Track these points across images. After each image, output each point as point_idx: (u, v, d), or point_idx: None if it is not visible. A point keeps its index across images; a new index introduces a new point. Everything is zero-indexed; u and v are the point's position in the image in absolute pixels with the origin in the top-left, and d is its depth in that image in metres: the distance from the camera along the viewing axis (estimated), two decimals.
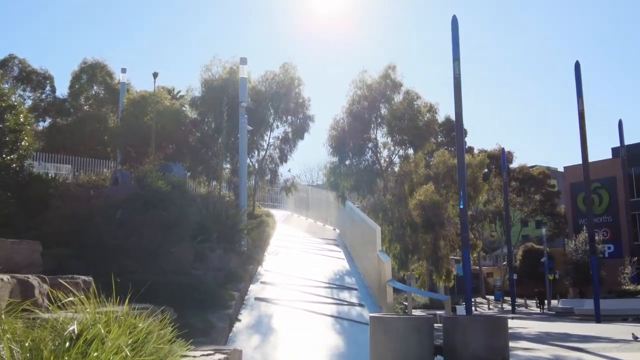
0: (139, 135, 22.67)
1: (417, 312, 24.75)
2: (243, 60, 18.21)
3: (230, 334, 10.19)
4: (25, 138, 14.26)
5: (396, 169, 24.93)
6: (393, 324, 7.37)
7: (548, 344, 15.11)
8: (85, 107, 37.89)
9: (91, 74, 37.60)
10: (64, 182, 13.63)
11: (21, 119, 14.27)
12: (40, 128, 38.45)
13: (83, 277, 7.61)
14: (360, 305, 13.59)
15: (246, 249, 15.81)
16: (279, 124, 25.01)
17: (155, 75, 18.83)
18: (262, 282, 14.41)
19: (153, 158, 23.94)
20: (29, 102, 36.60)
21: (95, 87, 38.28)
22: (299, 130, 24.85)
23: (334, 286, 15.18)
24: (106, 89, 36.99)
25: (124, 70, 26.87)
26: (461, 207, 19.65)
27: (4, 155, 13.70)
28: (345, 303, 13.64)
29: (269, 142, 24.88)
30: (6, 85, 13.81)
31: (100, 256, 10.70)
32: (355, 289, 15.11)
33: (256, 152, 25.26)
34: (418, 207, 22.72)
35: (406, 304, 25.44)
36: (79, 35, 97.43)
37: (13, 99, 14.04)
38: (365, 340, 10.51)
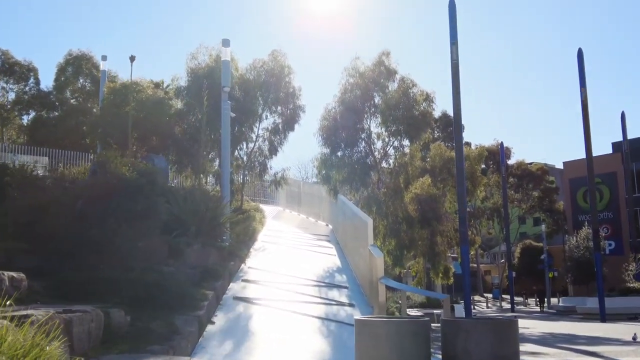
0: (120, 125, 21.41)
1: (413, 312, 23.61)
2: (225, 42, 17.00)
3: (200, 339, 9.01)
4: None
5: (391, 161, 23.78)
6: (382, 328, 6.20)
7: (556, 347, 13.96)
8: (71, 101, 36.67)
9: (77, 66, 36.40)
10: (27, 171, 12.40)
11: None
12: (25, 122, 37.36)
13: (11, 273, 6.44)
14: (351, 305, 12.43)
15: (228, 244, 14.62)
16: (268, 114, 23.77)
17: (132, 58, 17.64)
18: (244, 280, 13.23)
19: (135, 149, 22.72)
20: (12, 95, 35.44)
21: (81, 80, 37.07)
22: (290, 121, 23.62)
23: (323, 284, 14.02)
24: (92, 81, 35.71)
25: (104, 58, 25.62)
26: (459, 199, 18.50)
27: None
28: (334, 303, 12.48)
29: (257, 134, 23.65)
30: None
31: (57, 251, 9.52)
32: (346, 287, 13.95)
33: (244, 145, 24.03)
34: (414, 201, 21.58)
35: (401, 302, 24.34)
36: (63, 26, 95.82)
37: None
38: (351, 342, 9.36)
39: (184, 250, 12.56)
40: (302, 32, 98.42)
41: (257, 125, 23.59)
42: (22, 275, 6.74)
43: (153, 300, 9.15)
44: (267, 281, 13.38)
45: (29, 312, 4.77)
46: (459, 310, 23.21)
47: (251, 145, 23.66)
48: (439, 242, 22.79)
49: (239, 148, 24.06)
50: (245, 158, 23.93)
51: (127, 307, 8.53)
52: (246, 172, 23.87)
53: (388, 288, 12.75)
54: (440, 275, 24.07)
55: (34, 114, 35.87)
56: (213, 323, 9.93)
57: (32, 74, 35.65)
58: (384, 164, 23.69)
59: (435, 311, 25.94)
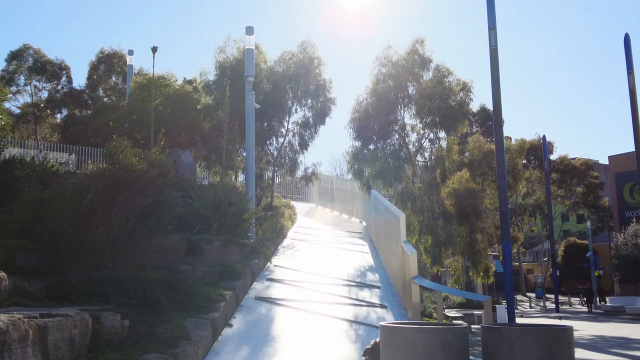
0: (147, 121, 20.89)
1: (451, 313, 22.43)
2: (249, 30, 16.21)
3: (214, 344, 8.20)
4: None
5: (426, 154, 22.63)
6: (410, 337, 5.25)
7: (611, 354, 12.71)
8: (104, 99, 36.60)
9: (109, 64, 36.25)
10: (41, 165, 11.84)
11: None
12: (59, 120, 37.40)
13: None
14: (382, 306, 11.47)
15: (253, 241, 13.82)
16: (298, 108, 23.01)
17: (154, 49, 16.99)
18: (268, 279, 12.41)
19: (163, 145, 22.22)
20: (44, 94, 35.47)
21: (113, 78, 36.98)
22: (320, 115, 22.79)
23: (353, 284, 13.10)
24: (124, 79, 35.49)
25: (131, 52, 25.24)
26: (500, 192, 17.29)
27: None
28: (365, 304, 11.54)
29: (287, 128, 22.88)
30: None
31: (61, 249, 8.83)
32: (378, 287, 13.00)
33: (274, 140, 23.28)
34: (451, 195, 20.41)
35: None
36: (95, 24, 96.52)
37: None
38: None
39: (203, 247, 11.81)
40: (331, 22, 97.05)
41: (287, 119, 22.86)
42: (1, 274, 6.03)
43: (163, 301, 8.39)
44: (293, 280, 12.53)
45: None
46: (501, 311, 21.96)
47: (281, 140, 22.95)
48: (478, 240, 21.56)
49: (268, 143, 23.36)
50: (275, 153, 23.20)
51: (133, 309, 7.81)
52: (276, 168, 23.14)
53: (424, 287, 11.76)
54: (481, 274, 22.83)
55: (66, 112, 35.84)
56: (230, 326, 9.13)
57: (64, 72, 35.60)
58: (418, 158, 22.58)
59: (475, 312, 24.67)
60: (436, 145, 22.36)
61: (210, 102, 23.25)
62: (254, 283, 11.85)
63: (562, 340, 5.62)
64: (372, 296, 12.22)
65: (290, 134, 23.05)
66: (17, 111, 35.43)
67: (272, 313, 10.16)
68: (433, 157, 22.28)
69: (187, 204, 13.30)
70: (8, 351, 3.94)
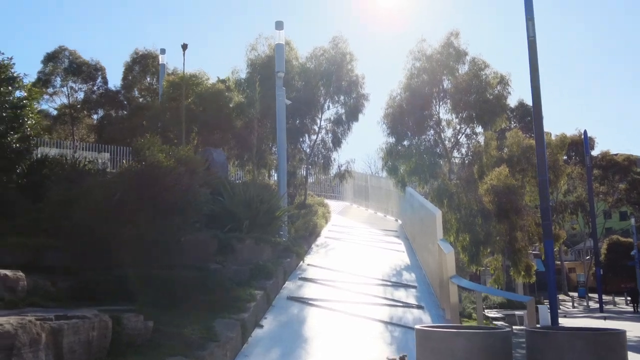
0: (179, 119, 20.84)
1: (491, 313, 21.78)
2: (279, 25, 15.92)
3: (243, 346, 7.91)
4: (30, 115, 12.48)
5: (463, 150, 22.01)
6: (448, 341, 4.85)
7: None
8: (139, 99, 36.90)
9: (143, 64, 36.52)
10: (71, 164, 11.77)
11: (24, 94, 12.54)
12: (94, 121, 37.87)
13: (3, 272, 5.53)
14: (419, 307, 11.04)
15: (285, 240, 13.54)
16: (330, 104, 22.67)
17: (184, 47, 16.85)
18: (301, 279, 12.10)
19: (196, 144, 22.16)
20: (80, 95, 35.92)
21: (148, 78, 37.25)
22: (353, 111, 22.40)
23: (389, 283, 12.69)
24: (158, 79, 35.75)
25: (163, 51, 25.24)
26: (541, 190, 16.63)
27: (4, 135, 11.97)
28: (401, 304, 11.13)
29: (320, 126, 22.54)
30: (5, 55, 11.95)
31: (89, 247, 8.66)
32: (414, 287, 12.57)
33: (307, 137, 22.98)
34: (490, 192, 19.77)
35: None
36: (128, 25, 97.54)
37: (14, 71, 12.24)
38: None
39: (234, 246, 11.54)
40: (363, 17, 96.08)
41: (319, 116, 22.54)
42: (20, 274, 5.84)
43: (191, 301, 8.16)
44: (326, 280, 12.19)
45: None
46: (543, 311, 21.21)
47: (314, 137, 22.63)
48: (518, 238, 20.86)
49: (301, 141, 23.08)
50: (308, 151, 22.90)
51: (160, 309, 7.57)
52: (309, 166, 22.84)
53: (462, 287, 11.29)
54: (522, 273, 22.10)
55: (102, 113, 36.24)
56: (261, 327, 8.84)
57: (99, 73, 35.98)
58: (455, 153, 22.01)
59: (516, 312, 23.94)
60: (473, 141, 21.75)
61: (243, 100, 23.05)
62: (286, 282, 11.56)
63: (615, 345, 5.17)
64: (408, 296, 11.80)
65: (323, 131, 22.73)
66: (54, 112, 36.06)
67: (304, 313, 9.84)
68: (470, 153, 21.66)
69: (218, 202, 13.11)
70: (17, 356, 3.71)
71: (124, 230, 8.70)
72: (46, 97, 34.70)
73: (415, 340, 5.08)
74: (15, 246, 8.57)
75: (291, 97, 19.04)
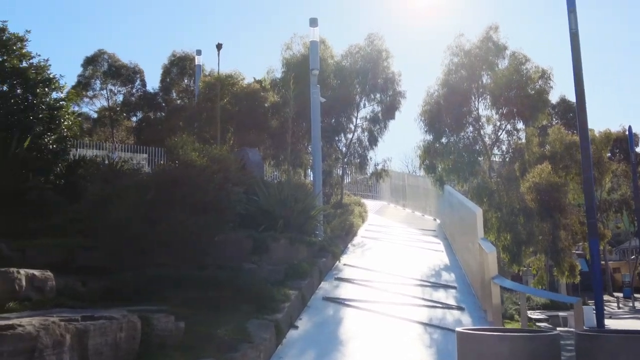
0: (215, 119, 20.87)
1: (534, 314, 21.20)
2: (313, 22, 15.73)
3: (278, 348, 7.71)
4: (66, 116, 12.58)
5: (503, 147, 21.42)
6: (492, 345, 4.54)
7: None
8: (177, 101, 37.26)
9: (181, 66, 36.85)
10: (107, 164, 11.81)
11: (60, 95, 12.66)
12: (133, 123, 38.40)
13: (31, 272, 5.44)
14: (459, 308, 10.68)
15: (321, 239, 13.32)
16: (366, 102, 22.38)
17: (219, 46, 16.82)
18: (337, 279, 11.85)
19: (232, 144, 22.16)
20: (119, 97, 36.45)
21: (185, 80, 37.58)
22: (389, 109, 22.07)
23: (428, 284, 12.34)
24: (202, 86, 36.02)
25: (199, 52, 25.38)
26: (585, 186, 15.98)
27: (41, 136, 12.09)
28: (440, 305, 10.78)
29: (356, 124, 22.28)
30: (41, 56, 12.05)
31: (122, 247, 8.61)
32: (454, 288, 12.19)
33: (342, 136, 22.75)
34: (532, 190, 19.18)
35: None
36: (165, 27, 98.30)
37: (51, 73, 12.37)
38: None
39: (269, 245, 11.38)
40: (398, 13, 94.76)
41: (355, 114, 22.28)
42: (48, 274, 5.76)
43: (225, 301, 8.00)
44: (363, 280, 11.92)
45: (18, 321, 3.66)
46: (588, 312, 20.54)
47: (349, 136, 22.39)
48: (562, 237, 20.20)
49: (337, 139, 22.86)
50: (344, 150, 22.66)
51: (192, 309, 7.44)
52: (345, 165, 22.60)
53: (504, 288, 10.88)
54: (566, 273, 21.40)
55: (141, 115, 36.68)
56: (296, 328, 8.63)
57: (137, 76, 36.42)
58: (495, 150, 21.44)
59: (560, 313, 23.27)
60: (514, 137, 21.15)
61: (278, 100, 22.96)
62: (322, 282, 11.33)
63: None
64: (448, 297, 11.44)
65: (359, 129, 22.47)
66: (95, 115, 36.69)
67: (340, 314, 9.60)
68: (511, 150, 21.07)
69: (253, 201, 12.99)
70: (39, 358, 3.58)
71: (157, 229, 8.62)
72: (86, 100, 35.39)
73: (457, 344, 4.79)
74: (49, 246, 8.58)
75: (326, 96, 18.84)
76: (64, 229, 9.55)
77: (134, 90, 36.55)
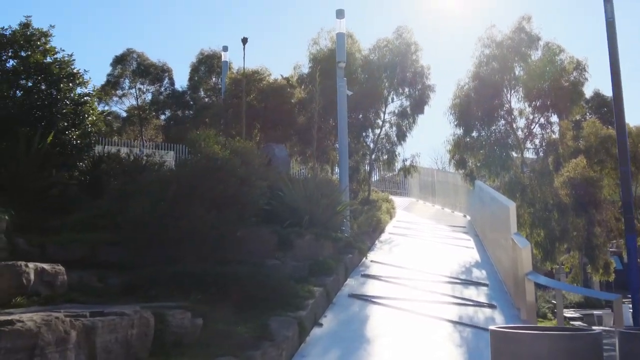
0: (241, 115, 20.72)
1: (568, 313, 20.55)
2: (339, 13, 15.42)
3: (301, 346, 7.44)
4: (90, 112, 12.50)
5: (536, 141, 20.76)
6: (530, 345, 4.19)
7: None
8: (205, 99, 37.30)
9: (209, 64, 36.88)
10: (132, 159, 11.71)
11: (85, 90, 12.58)
12: (162, 122, 38.57)
13: (41, 265, 5.25)
14: (491, 306, 10.27)
15: (347, 235, 13.01)
16: (394, 97, 21.98)
17: (244, 40, 16.62)
18: (363, 275, 11.55)
19: (259, 140, 22.01)
20: (148, 96, 36.61)
21: (213, 78, 37.60)
22: (418, 103, 21.63)
23: (458, 281, 11.95)
24: (228, 82, 36.00)
25: (225, 49, 25.26)
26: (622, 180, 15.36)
27: (65, 131, 12.03)
28: (471, 303, 10.39)
29: (384, 119, 21.89)
30: (65, 51, 11.99)
31: (144, 242, 8.44)
32: (486, 285, 11.77)
33: (370, 131, 22.38)
34: (566, 185, 18.55)
35: (555, 302, 21.25)
36: (192, 25, 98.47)
37: (75, 67, 12.30)
38: None
39: (293, 241, 11.11)
40: (426, 5, 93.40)
41: (383, 109, 21.88)
42: (58, 268, 5.57)
43: (246, 298, 7.76)
44: (391, 277, 11.59)
45: (18, 316, 3.44)
46: (625, 311, 19.79)
47: (377, 131, 21.99)
48: (597, 233, 19.51)
49: (364, 135, 22.51)
50: (371, 146, 22.29)
51: (213, 306, 7.22)
52: (373, 161, 22.22)
53: (537, 285, 10.42)
54: (600, 271, 20.69)
55: (169, 113, 36.80)
56: (320, 325, 8.35)
57: (166, 74, 36.51)
58: (527, 144, 20.80)
59: (595, 312, 22.54)
60: (547, 131, 20.48)
61: (305, 96, 22.69)
62: (348, 279, 11.03)
63: None
64: (479, 295, 11.03)
65: (387, 124, 22.07)
66: (124, 114, 36.94)
67: (366, 312, 9.29)
68: (544, 144, 20.42)
69: (278, 197, 12.76)
70: (41, 356, 3.36)
71: (179, 225, 8.42)
72: (115, 99, 35.67)
73: (490, 343, 4.45)
74: (70, 242, 8.47)
75: (354, 91, 18.51)
76: (86, 225, 9.44)
77: (162, 89, 36.66)
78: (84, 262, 8.16)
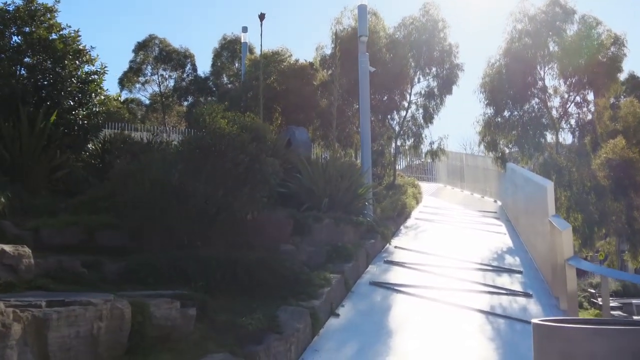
0: (259, 98, 19.99)
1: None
2: None
3: (314, 339, 6.70)
4: (98, 90, 11.89)
5: (572, 121, 19.61)
6: (584, 342, 3.36)
7: None
8: (228, 85, 36.73)
9: (231, 50, 36.29)
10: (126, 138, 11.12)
11: (92, 68, 11.98)
12: (185, 108, 38.14)
13: (1, 246, 4.58)
14: (526, 294, 9.38)
15: (369, 220, 12.21)
16: (421, 77, 20.95)
17: (261, 17, 15.81)
18: (386, 262, 10.74)
19: (280, 123, 21.31)
20: (171, 82, 36.15)
21: (236, 64, 37.01)
22: (446, 84, 20.58)
23: (489, 268, 11.06)
24: (248, 64, 35.37)
25: (244, 30, 24.46)
26: None
27: (71, 111, 11.45)
28: (504, 292, 9.51)
29: (410, 100, 20.93)
30: (72, 27, 11.37)
31: (144, 225, 7.78)
32: (519, 272, 10.87)
33: (395, 114, 21.46)
34: (604, 166, 17.42)
35: (592, 290, 20.18)
36: (214, 9, 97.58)
37: (81, 44, 11.68)
38: (529, 350, 6.51)
39: (311, 226, 10.38)
40: None
41: (409, 90, 20.91)
42: (23, 250, 4.90)
43: (255, 285, 7.06)
44: (416, 264, 10.75)
45: None
46: None
47: (403, 113, 21.04)
48: (637, 217, 18.34)
49: (389, 118, 21.61)
50: (397, 129, 21.37)
51: (215, 294, 6.53)
52: (398, 144, 21.31)
53: (582, 271, 9.49)
54: (639, 257, 19.53)
55: (192, 99, 36.32)
56: (337, 316, 7.59)
57: (188, 60, 35.96)
58: (562, 124, 19.64)
59: (634, 301, 21.41)
60: (583, 110, 19.29)
61: (327, 78, 21.83)
62: (369, 266, 10.24)
63: None
64: (513, 283, 10.14)
65: (413, 106, 21.06)
66: (147, 101, 36.59)
67: (388, 301, 8.50)
68: (581, 123, 19.26)
69: (296, 179, 12.04)
70: None
71: (184, 206, 7.73)
72: (138, 86, 35.31)
73: (533, 339, 3.64)
74: (67, 225, 7.84)
75: (378, 71, 17.66)
76: (86, 208, 8.83)
77: (184, 75, 36.14)
78: (80, 247, 7.54)
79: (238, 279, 7.05)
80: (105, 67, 12.04)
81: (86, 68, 11.96)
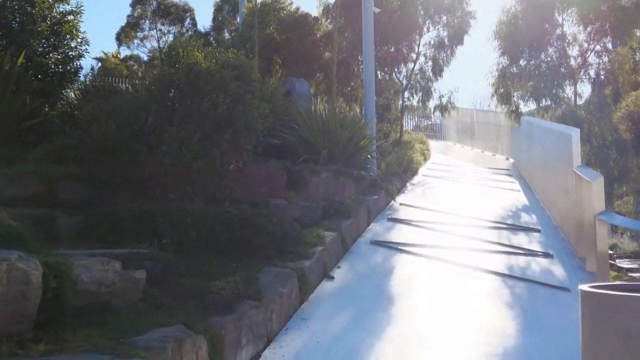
0: (259, 47, 18.78)
1: (624, 264, 18.47)
2: None
3: (303, 305, 5.75)
4: (73, 32, 10.78)
5: (591, 72, 18.32)
6: None
7: None
8: (229, 40, 35.44)
9: (233, 4, 34.91)
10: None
11: (67, 7, 10.83)
12: None
13: None
14: (546, 255, 8.37)
15: (372, 174, 11.19)
16: (430, 26, 19.62)
17: None
18: (390, 219, 9.75)
19: (280, 75, 20.11)
20: (169, 37, 34.90)
21: (237, 19, 35.66)
22: (457, 33, 19.26)
23: (503, 226, 10.06)
24: (246, 13, 34.03)
25: None
26: None
27: (44, 56, 10.37)
28: (521, 252, 8.51)
29: (418, 52, 19.65)
30: None
31: (110, 175, 6.78)
32: (537, 231, 9.85)
33: (402, 66, 20.22)
34: (626, 119, 16.24)
35: (612, 251, 19.20)
36: None
37: None
38: (554, 319, 5.53)
39: (307, 179, 9.39)
40: None
41: (417, 41, 19.60)
42: None
43: (235, 244, 6.09)
44: (423, 221, 9.75)
45: None
46: None
47: (411, 66, 19.79)
48: None
49: (396, 71, 20.40)
50: (404, 82, 20.18)
51: (185, 254, 5.58)
52: (404, 98, 20.13)
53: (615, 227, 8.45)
54: None
55: None
56: (331, 279, 6.63)
57: (187, 14, 34.61)
58: (581, 75, 18.36)
59: None
60: (604, 60, 17.98)
61: (331, 29, 20.52)
62: (371, 224, 9.26)
63: None
64: (531, 242, 9.13)
65: (422, 58, 19.79)
66: (146, 57, 35.41)
67: (391, 262, 7.52)
68: (602, 74, 17.98)
69: (292, 129, 11.02)
70: None
71: (157, 154, 6.71)
72: (137, 41, 34.08)
73: (583, 311, 2.64)
74: (25, 175, 6.87)
75: (385, 21, 16.44)
76: (52, 158, 7.85)
77: (184, 30, 34.90)
78: (37, 199, 6.58)
79: (216, 237, 6.09)
80: (82, 6, 10.90)
81: (60, 8, 10.81)
